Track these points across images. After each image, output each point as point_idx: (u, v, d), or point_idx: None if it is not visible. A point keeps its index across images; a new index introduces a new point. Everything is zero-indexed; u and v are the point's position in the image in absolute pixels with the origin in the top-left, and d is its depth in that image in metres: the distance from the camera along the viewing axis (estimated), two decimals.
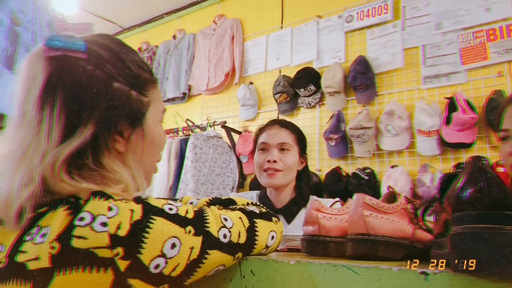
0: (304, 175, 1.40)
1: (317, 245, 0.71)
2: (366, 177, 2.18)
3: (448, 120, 1.97)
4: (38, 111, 0.54)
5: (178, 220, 0.54)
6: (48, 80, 0.55)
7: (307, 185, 1.39)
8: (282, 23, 2.92)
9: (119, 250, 0.48)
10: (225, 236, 0.58)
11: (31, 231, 0.51)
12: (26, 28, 1.31)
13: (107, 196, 0.53)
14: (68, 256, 0.48)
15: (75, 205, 0.51)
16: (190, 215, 0.56)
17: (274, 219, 0.71)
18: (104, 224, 0.49)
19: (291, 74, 2.65)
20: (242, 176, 2.77)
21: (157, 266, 0.50)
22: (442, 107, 2.05)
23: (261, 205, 0.73)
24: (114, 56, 0.61)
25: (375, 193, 2.12)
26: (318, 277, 0.56)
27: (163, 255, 0.51)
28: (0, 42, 1.14)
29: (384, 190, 2.11)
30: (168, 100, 3.34)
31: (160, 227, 0.51)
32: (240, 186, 2.77)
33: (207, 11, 3.39)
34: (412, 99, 2.20)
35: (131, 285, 0.49)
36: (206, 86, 3.10)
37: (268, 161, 1.32)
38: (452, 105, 1.98)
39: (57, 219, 0.50)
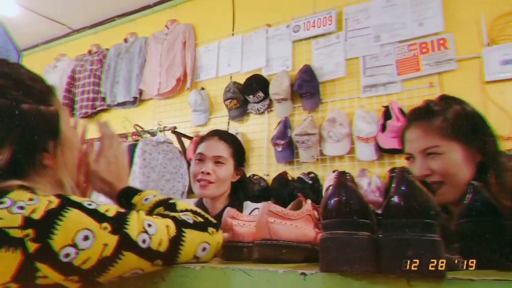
0: (240, 185, 1.45)
1: (232, 251, 0.75)
2: (310, 182, 2.26)
3: (383, 128, 2.09)
4: None
5: (95, 214, 0.56)
6: None
7: (242, 193, 1.44)
8: (233, 30, 2.97)
9: (30, 231, 0.51)
10: (144, 242, 0.58)
11: None
12: None
13: (32, 190, 0.58)
14: None
15: (1, 193, 0.55)
16: (111, 214, 0.58)
17: (210, 229, 0.68)
18: (21, 208, 0.53)
19: (242, 80, 2.69)
20: None
21: (67, 255, 0.52)
22: (380, 115, 2.18)
23: (203, 213, 0.71)
24: (11, 79, 0.63)
25: (318, 197, 2.20)
26: (219, 281, 0.60)
27: (74, 245, 0.52)
28: None
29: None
30: (119, 105, 3.29)
31: (74, 217, 0.54)
32: (191, 191, 2.77)
33: (160, 16, 3.38)
34: (353, 107, 2.32)
35: (39, 270, 0.51)
36: (157, 90, 3.08)
37: (202, 172, 1.36)
38: (387, 113, 2.11)
39: None
